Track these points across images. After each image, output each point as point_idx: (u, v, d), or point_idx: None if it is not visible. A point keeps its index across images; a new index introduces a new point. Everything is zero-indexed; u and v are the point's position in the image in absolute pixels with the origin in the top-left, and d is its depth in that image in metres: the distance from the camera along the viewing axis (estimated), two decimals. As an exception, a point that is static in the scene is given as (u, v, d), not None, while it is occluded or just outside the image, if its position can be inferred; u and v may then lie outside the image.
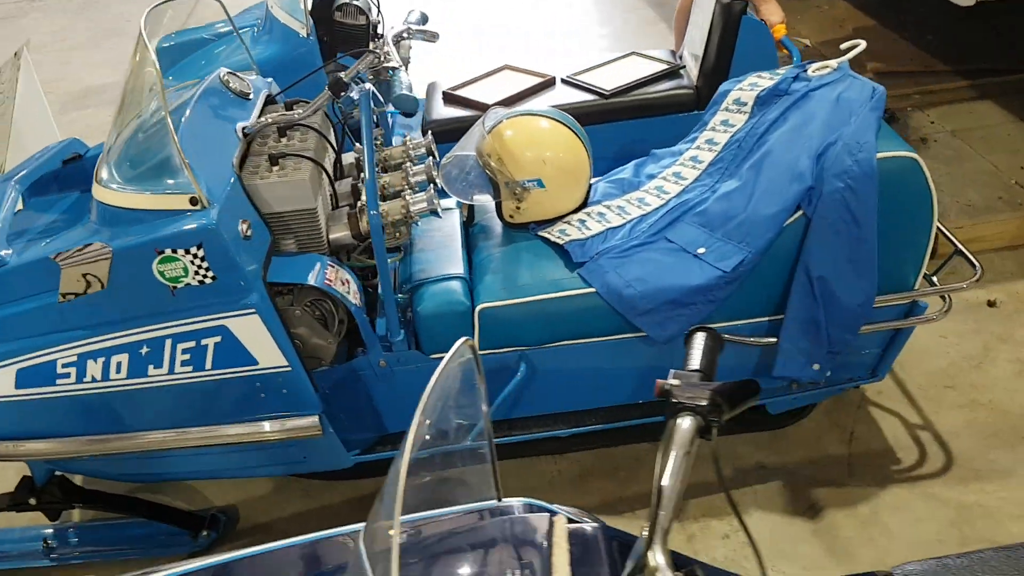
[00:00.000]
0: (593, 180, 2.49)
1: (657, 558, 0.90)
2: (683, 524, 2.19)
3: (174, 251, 1.85)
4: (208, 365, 1.98)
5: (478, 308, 2.13)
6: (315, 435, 2.08)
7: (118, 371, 1.99)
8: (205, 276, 1.88)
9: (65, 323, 1.95)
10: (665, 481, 0.94)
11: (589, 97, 3.04)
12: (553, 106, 2.86)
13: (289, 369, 1.99)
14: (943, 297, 2.20)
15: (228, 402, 2.04)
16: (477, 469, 1.30)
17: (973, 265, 2.18)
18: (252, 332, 1.94)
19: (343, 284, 2.06)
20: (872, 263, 2.03)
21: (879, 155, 1.98)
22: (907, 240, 2.08)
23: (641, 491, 2.30)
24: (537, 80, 3.14)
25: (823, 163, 2.01)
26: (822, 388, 2.27)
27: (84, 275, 1.88)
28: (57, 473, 2.27)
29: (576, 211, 2.36)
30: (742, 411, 1.06)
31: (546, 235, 2.30)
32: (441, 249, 2.34)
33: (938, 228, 2.32)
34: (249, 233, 1.94)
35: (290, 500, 2.44)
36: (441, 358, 2.13)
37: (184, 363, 1.97)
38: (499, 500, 1.30)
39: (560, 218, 2.34)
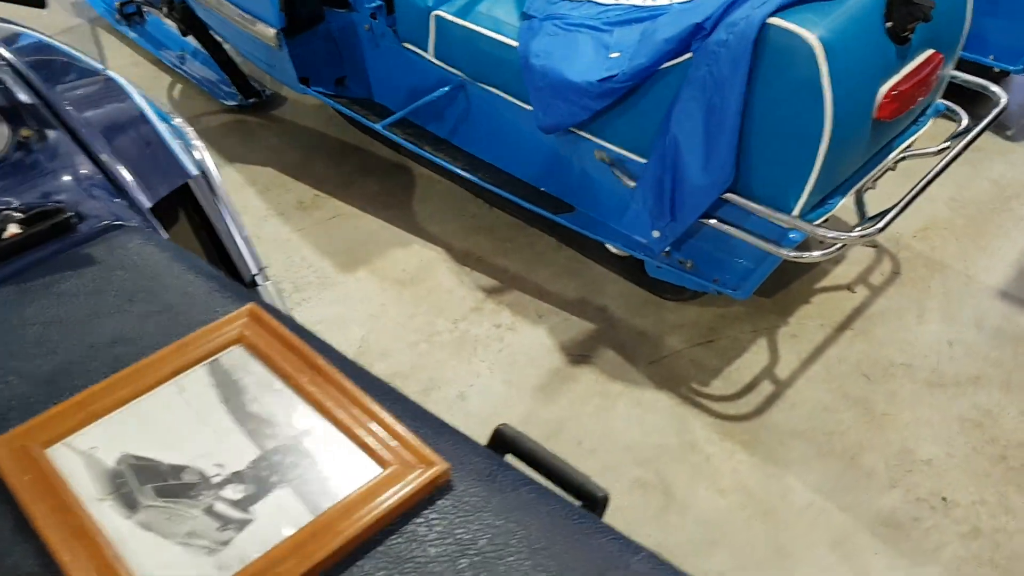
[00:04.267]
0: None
1: None
2: (487, 298, 2.22)
3: None
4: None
5: (433, 12, 2.20)
6: (273, 45, 2.43)
7: None
8: None
9: None
10: None
11: None
12: None
13: (261, -20, 2.32)
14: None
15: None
16: None
17: (879, 225, 1.70)
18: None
19: (342, -69, 2.26)
20: (727, 147, 1.69)
21: (778, 23, 1.57)
22: (789, 147, 1.67)
23: (492, 266, 2.34)
24: None
25: (734, 7, 1.65)
26: (688, 272, 2.02)
27: None
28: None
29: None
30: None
31: None
32: None
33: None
34: None
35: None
36: (412, 52, 2.31)
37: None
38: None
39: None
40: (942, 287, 2.22)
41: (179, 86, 3.06)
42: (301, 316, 2.16)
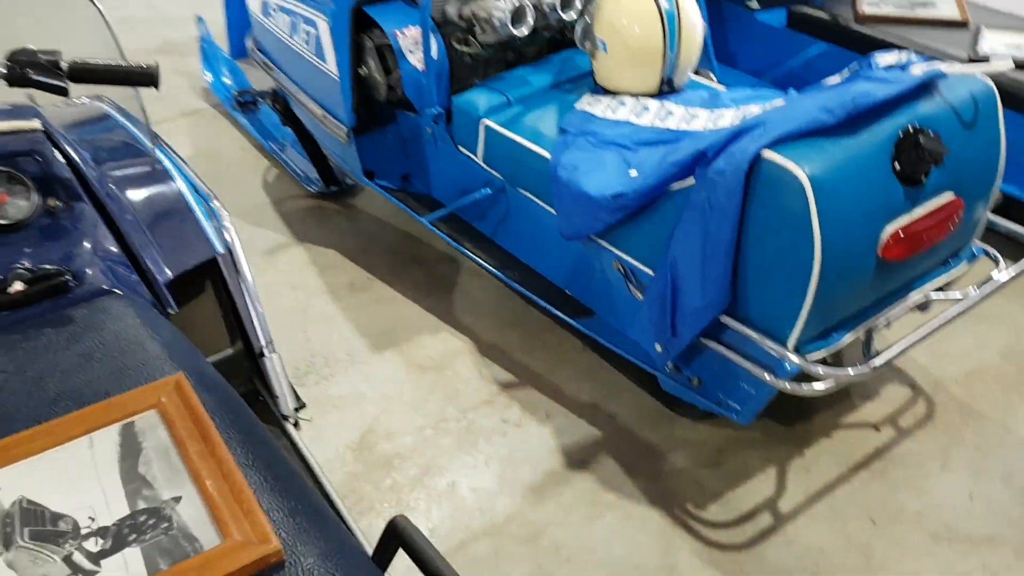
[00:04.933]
0: (710, 83, 2.35)
1: None
2: (500, 392, 2.27)
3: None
4: (312, 50, 2.62)
5: (483, 121, 2.35)
6: (343, 140, 2.63)
7: (284, 29, 2.76)
8: None
9: None
10: None
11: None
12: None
13: (337, 79, 2.53)
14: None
15: (320, 85, 2.67)
16: None
17: (873, 366, 1.65)
18: (326, 35, 2.52)
19: (413, 44, 2.45)
20: (722, 271, 1.71)
21: (771, 156, 1.59)
22: (781, 278, 1.67)
23: (513, 361, 2.39)
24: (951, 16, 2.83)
25: (738, 137, 1.68)
26: (695, 390, 2.01)
27: None
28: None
29: (640, 96, 2.28)
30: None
31: (585, 95, 2.31)
32: (529, 67, 2.52)
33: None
34: None
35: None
36: (465, 155, 2.45)
37: (305, 40, 2.64)
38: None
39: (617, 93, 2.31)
40: (975, 437, 2.11)
41: (274, 171, 3.33)
42: (325, 390, 2.28)
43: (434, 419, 2.19)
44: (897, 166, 1.66)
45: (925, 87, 1.75)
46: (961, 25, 2.82)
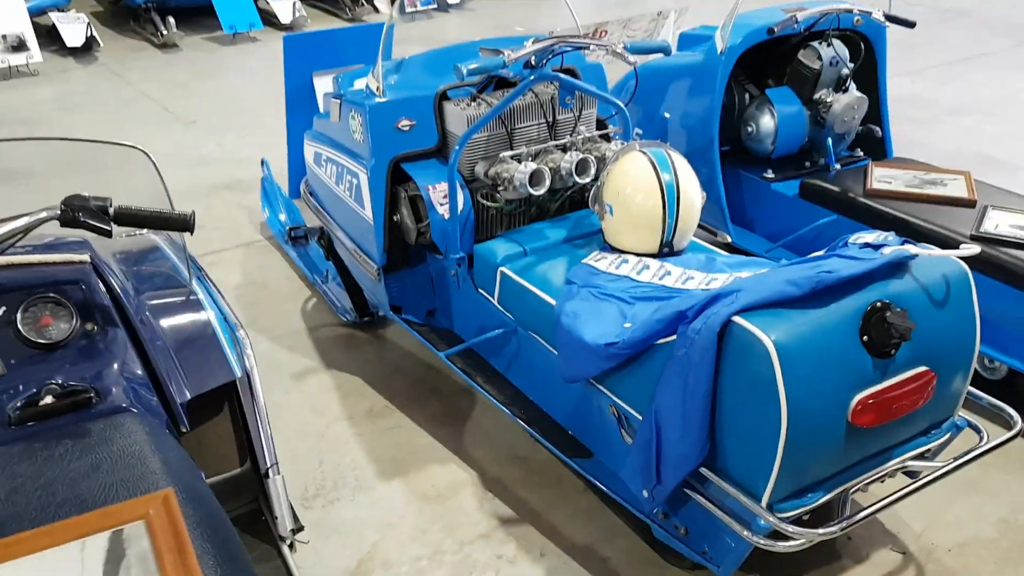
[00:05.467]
0: (711, 247, 2.51)
1: None
2: (499, 527, 2.35)
3: (350, 108, 2.77)
4: (353, 196, 2.88)
5: (500, 268, 2.54)
6: (374, 278, 2.84)
7: (331, 177, 3.04)
8: (360, 135, 2.75)
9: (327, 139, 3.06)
10: None
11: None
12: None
13: (371, 224, 2.76)
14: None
15: (358, 228, 2.92)
16: None
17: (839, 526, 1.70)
18: (364, 186, 2.77)
19: (442, 197, 2.69)
20: (699, 424, 1.82)
21: (740, 321, 1.72)
22: (750, 436, 1.76)
23: (516, 496, 2.47)
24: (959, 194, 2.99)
25: (716, 300, 1.82)
26: (682, 539, 2.07)
27: None
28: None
29: (642, 255, 2.45)
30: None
31: (594, 251, 2.48)
32: (548, 221, 2.72)
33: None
34: (407, 128, 2.71)
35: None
36: (483, 296, 2.64)
37: (348, 188, 2.91)
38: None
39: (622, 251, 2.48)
40: (963, 610, 2.10)
41: (313, 299, 3.56)
42: (329, 513, 2.39)
43: (431, 550, 2.27)
44: (866, 338, 1.77)
45: (898, 266, 1.88)
46: (969, 204, 2.94)
